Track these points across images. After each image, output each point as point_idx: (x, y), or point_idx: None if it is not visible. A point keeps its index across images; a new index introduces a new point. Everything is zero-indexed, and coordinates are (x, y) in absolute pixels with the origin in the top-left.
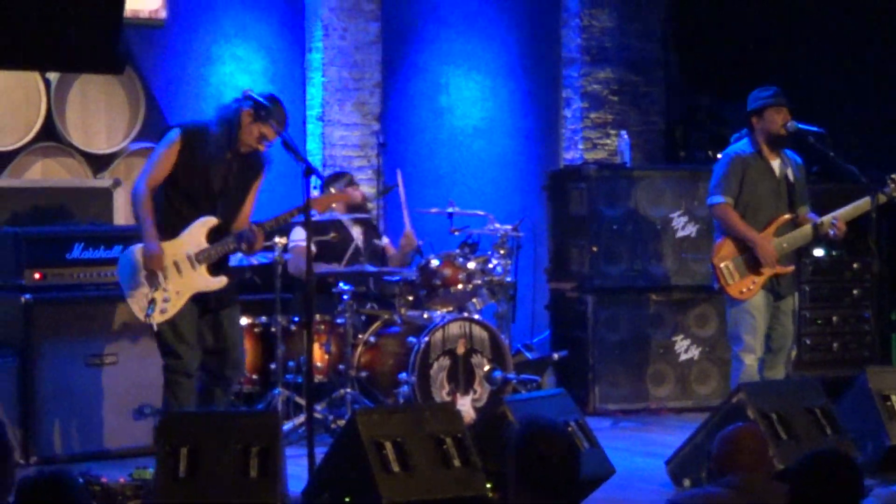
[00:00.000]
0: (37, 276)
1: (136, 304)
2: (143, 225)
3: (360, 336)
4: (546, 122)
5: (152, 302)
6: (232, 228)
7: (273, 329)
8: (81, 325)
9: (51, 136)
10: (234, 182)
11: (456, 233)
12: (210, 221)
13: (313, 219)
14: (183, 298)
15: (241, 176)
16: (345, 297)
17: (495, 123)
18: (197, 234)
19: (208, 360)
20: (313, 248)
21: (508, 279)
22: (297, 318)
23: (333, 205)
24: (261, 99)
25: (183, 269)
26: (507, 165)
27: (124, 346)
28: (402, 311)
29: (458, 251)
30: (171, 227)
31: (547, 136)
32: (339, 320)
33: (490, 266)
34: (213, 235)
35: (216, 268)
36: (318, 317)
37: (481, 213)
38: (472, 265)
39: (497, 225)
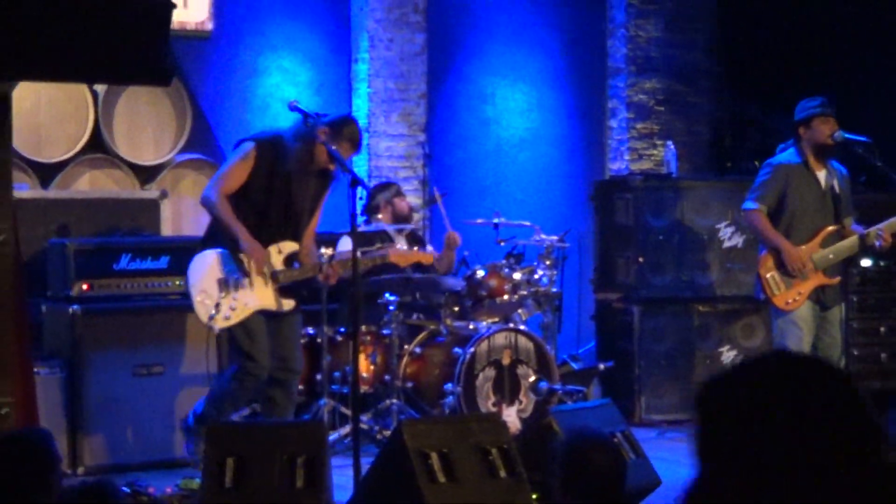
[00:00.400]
0: (84, 286)
1: (202, 306)
2: (231, 226)
3: (405, 347)
4: (592, 133)
5: (218, 306)
6: (301, 241)
7: (319, 340)
8: (129, 336)
9: (98, 147)
10: (310, 197)
11: (502, 243)
12: (290, 246)
13: (363, 229)
14: (248, 311)
15: (317, 192)
16: (391, 307)
17: (541, 134)
18: (277, 252)
19: (273, 362)
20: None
21: (554, 290)
22: (343, 329)
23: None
24: (306, 111)
25: (256, 284)
26: (552, 176)
27: (171, 356)
28: (448, 321)
29: (503, 262)
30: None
31: (593, 146)
32: (385, 331)
33: (536, 277)
34: (289, 260)
35: (285, 289)
36: (364, 327)
37: (527, 223)
38: (517, 276)
39: (543, 235)
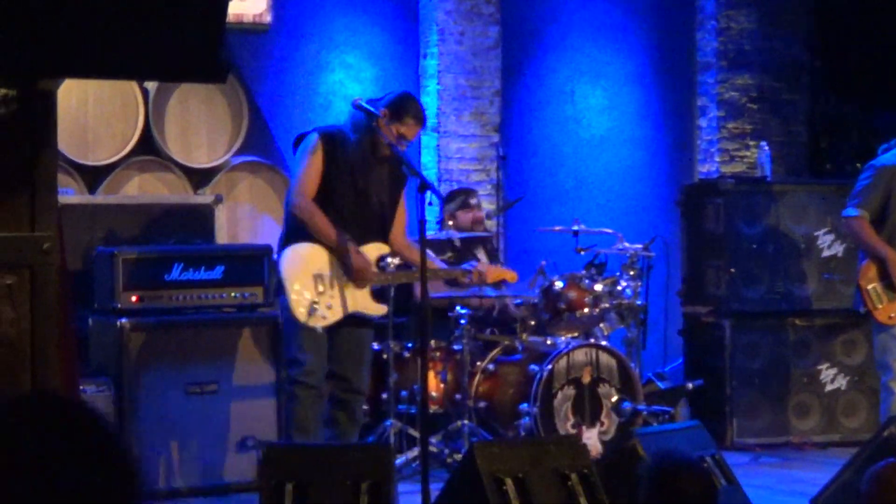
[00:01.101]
0: (133, 298)
1: (299, 303)
2: (328, 232)
3: (478, 364)
4: (679, 133)
5: (315, 304)
6: (390, 242)
7: (385, 356)
8: (181, 351)
9: (149, 149)
10: (384, 190)
11: (582, 252)
12: (382, 248)
13: (430, 237)
14: (340, 313)
15: (391, 185)
16: (462, 321)
17: (624, 134)
18: (368, 255)
19: (333, 381)
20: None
21: (638, 302)
22: (410, 345)
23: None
24: (370, 108)
25: (351, 285)
26: (637, 179)
27: (226, 374)
28: (524, 336)
29: (583, 272)
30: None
31: (680, 147)
32: (455, 347)
33: (618, 288)
34: (381, 261)
35: (378, 293)
36: (433, 343)
37: (609, 230)
38: (599, 287)
39: (626, 244)
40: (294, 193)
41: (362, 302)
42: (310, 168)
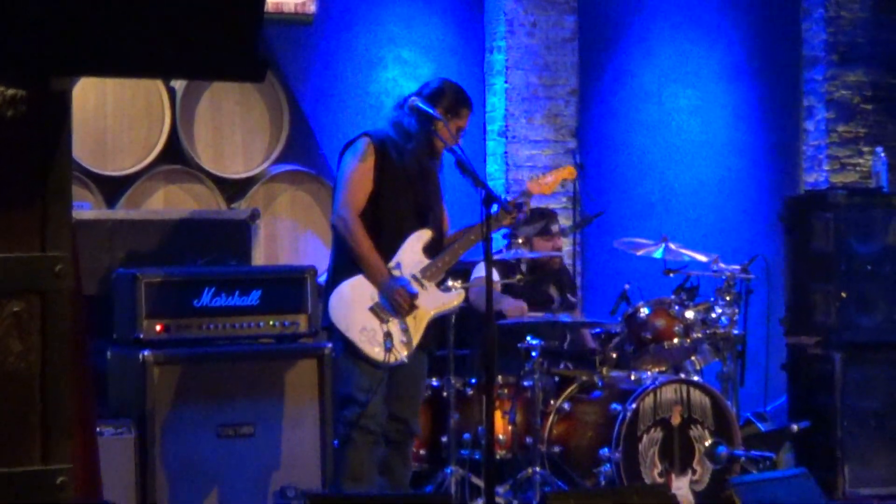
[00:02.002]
0: (158, 327)
1: (370, 344)
2: (366, 258)
3: (551, 402)
4: (782, 138)
5: (388, 336)
6: (443, 236)
7: (445, 393)
8: (212, 388)
9: (176, 157)
10: (436, 189)
11: (670, 274)
12: (425, 234)
13: (497, 257)
14: (422, 324)
15: (435, 179)
16: (534, 353)
17: (719, 139)
18: (413, 250)
19: (388, 422)
20: (497, 282)
21: (736, 332)
22: (474, 380)
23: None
24: (428, 108)
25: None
26: (733, 191)
27: (264, 414)
28: (604, 371)
29: (673, 297)
30: (377, 243)
31: (783, 154)
32: (525, 383)
33: (713, 316)
34: (431, 250)
35: (443, 283)
36: (500, 378)
37: (702, 257)
38: (690, 315)
39: (721, 264)
40: (338, 210)
41: (436, 300)
42: (358, 178)
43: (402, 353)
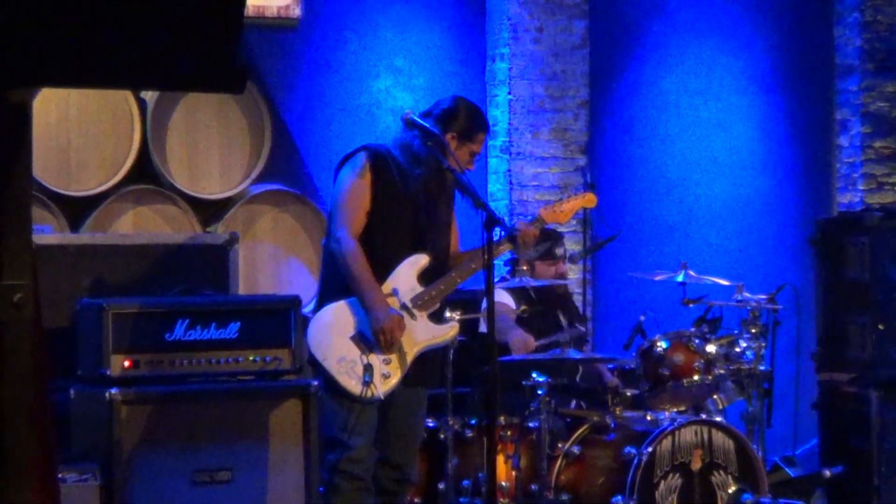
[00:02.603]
0: (126, 363)
1: (348, 375)
2: (362, 286)
3: (559, 445)
4: (813, 155)
5: (368, 369)
6: (446, 266)
7: (442, 436)
8: (186, 430)
9: (146, 176)
10: (442, 211)
11: (690, 305)
12: (420, 260)
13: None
14: (408, 357)
15: (446, 203)
16: (540, 391)
17: (743, 156)
18: (406, 276)
19: (380, 468)
20: (511, 306)
21: (762, 368)
22: (474, 421)
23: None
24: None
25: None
26: (760, 213)
27: (242, 459)
28: (617, 411)
29: (693, 330)
30: (371, 264)
31: (814, 172)
32: (531, 424)
33: (737, 350)
34: (426, 278)
35: (436, 313)
36: (503, 419)
37: (725, 282)
38: (712, 349)
39: (746, 294)
40: (335, 232)
41: (426, 332)
42: (356, 196)
43: (379, 390)
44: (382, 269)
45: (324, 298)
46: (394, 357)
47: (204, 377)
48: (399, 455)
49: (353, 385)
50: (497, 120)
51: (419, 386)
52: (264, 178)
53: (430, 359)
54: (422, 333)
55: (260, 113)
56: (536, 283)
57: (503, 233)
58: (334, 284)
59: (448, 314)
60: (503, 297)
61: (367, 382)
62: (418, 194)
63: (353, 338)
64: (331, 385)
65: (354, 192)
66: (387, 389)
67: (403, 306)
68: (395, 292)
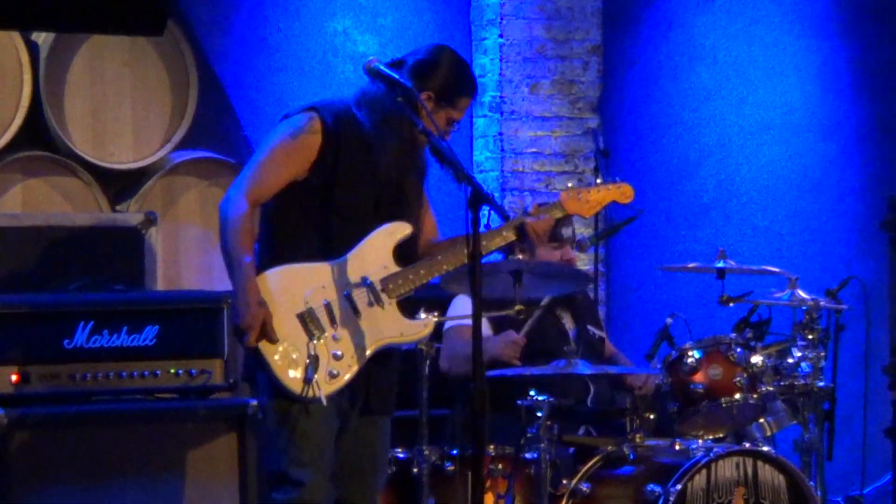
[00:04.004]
0: (13, 377)
1: (286, 368)
2: (232, 264)
3: (564, 482)
4: (884, 114)
5: (313, 360)
6: (419, 251)
7: (416, 469)
8: (89, 462)
9: (38, 140)
10: (414, 187)
11: (730, 304)
12: (400, 230)
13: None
14: (366, 353)
15: (418, 177)
16: (539, 413)
17: (797, 117)
18: (379, 249)
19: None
20: (487, 331)
21: (821, 384)
22: (455, 451)
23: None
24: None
25: (360, 306)
26: (817, 188)
27: (160, 494)
28: (638, 438)
29: (733, 336)
30: (321, 246)
31: (886, 136)
32: (528, 455)
33: (790, 361)
34: (404, 256)
35: (410, 304)
36: (492, 448)
37: (774, 269)
38: (757, 360)
39: (801, 291)
40: (236, 184)
41: (392, 327)
42: (282, 157)
43: (320, 391)
44: (333, 242)
45: (266, 261)
46: (346, 352)
47: (113, 395)
48: (356, 492)
49: (292, 380)
50: (485, 70)
51: (375, 415)
52: (189, 144)
53: (387, 375)
54: (388, 327)
55: (184, 61)
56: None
57: (506, 216)
58: (277, 248)
59: (422, 315)
60: (464, 307)
61: (308, 380)
62: (388, 169)
63: (300, 316)
64: (265, 385)
65: (280, 152)
66: (331, 391)
67: (370, 287)
68: (364, 281)
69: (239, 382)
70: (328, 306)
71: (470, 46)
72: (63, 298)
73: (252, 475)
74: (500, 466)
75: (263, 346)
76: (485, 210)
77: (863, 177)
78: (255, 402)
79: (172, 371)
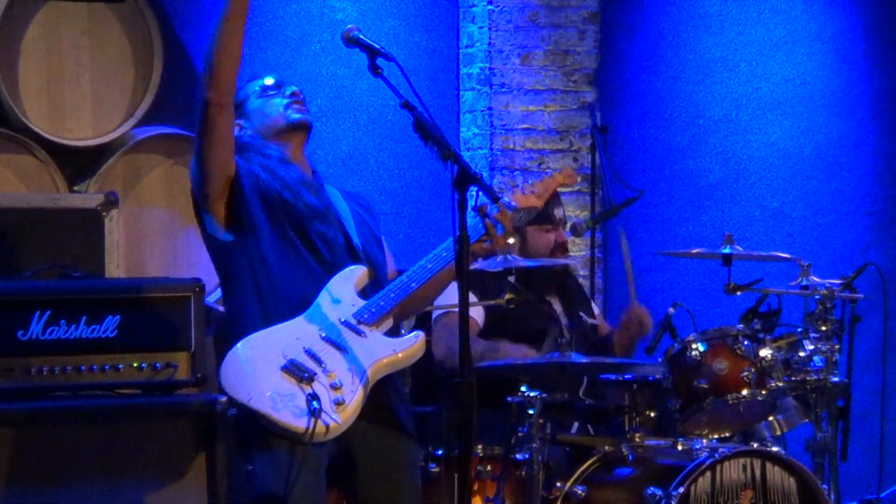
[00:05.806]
0: None
1: (285, 409)
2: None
3: (558, 485)
4: None
5: (313, 399)
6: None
7: None
8: (45, 464)
9: None
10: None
11: (737, 292)
12: (357, 272)
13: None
14: (365, 374)
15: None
16: (531, 410)
17: (810, 91)
18: (343, 292)
19: None
20: (478, 320)
21: (835, 379)
22: (441, 452)
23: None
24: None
25: (341, 342)
26: (829, 170)
27: (122, 496)
28: (637, 437)
29: (740, 327)
30: (286, 298)
31: None
32: (519, 455)
33: (801, 355)
34: (369, 293)
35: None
36: (480, 448)
37: (785, 255)
38: (767, 353)
39: (814, 277)
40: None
41: (382, 348)
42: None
43: (335, 415)
44: (300, 289)
45: (233, 320)
46: (345, 379)
47: (70, 391)
48: None
49: (294, 420)
50: (473, 39)
51: (399, 432)
52: (153, 119)
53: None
54: (379, 348)
55: (147, 29)
56: (527, 264)
57: (496, 197)
58: (244, 291)
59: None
60: (453, 297)
61: (314, 410)
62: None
63: (285, 368)
64: (266, 428)
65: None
66: (346, 418)
67: (345, 323)
68: (338, 321)
69: (207, 377)
70: (309, 351)
71: (457, 14)
72: (17, 286)
73: (221, 475)
74: (488, 468)
75: (253, 401)
76: (472, 191)
77: (880, 155)
78: (224, 398)
79: (136, 365)
